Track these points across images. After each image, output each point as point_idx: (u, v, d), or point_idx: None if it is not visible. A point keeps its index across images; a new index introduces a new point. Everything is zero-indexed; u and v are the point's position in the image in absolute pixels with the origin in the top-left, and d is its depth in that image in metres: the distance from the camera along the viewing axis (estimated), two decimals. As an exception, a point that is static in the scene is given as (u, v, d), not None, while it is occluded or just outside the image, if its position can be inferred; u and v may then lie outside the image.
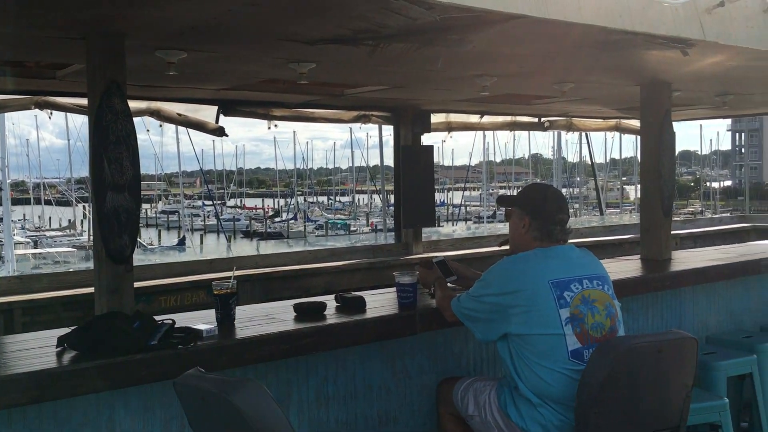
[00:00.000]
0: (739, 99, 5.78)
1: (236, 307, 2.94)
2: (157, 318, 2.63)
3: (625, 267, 4.52)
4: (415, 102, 5.91)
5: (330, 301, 3.25)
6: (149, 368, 2.41)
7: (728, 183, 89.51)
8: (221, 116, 5.26)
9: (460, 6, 2.21)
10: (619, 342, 2.52)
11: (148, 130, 4.97)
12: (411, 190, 6.18)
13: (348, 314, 3.05)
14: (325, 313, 3.04)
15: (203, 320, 2.81)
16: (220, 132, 5.17)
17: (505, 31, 2.63)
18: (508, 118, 7.06)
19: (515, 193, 2.74)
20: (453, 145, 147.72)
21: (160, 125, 5.24)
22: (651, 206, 4.78)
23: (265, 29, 2.56)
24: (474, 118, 6.76)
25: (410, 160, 6.18)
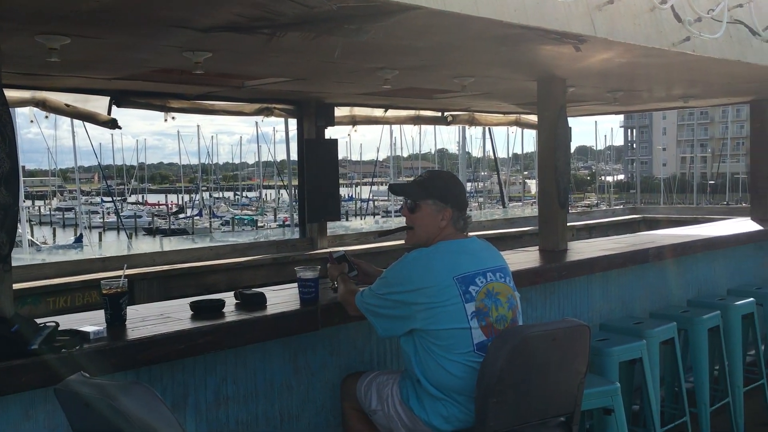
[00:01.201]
0: (628, 95, 6.04)
1: (128, 307, 2.80)
2: (42, 320, 2.47)
3: (524, 258, 4.63)
4: (318, 95, 5.84)
5: (229, 298, 3.15)
6: (30, 374, 2.26)
7: (621, 177, 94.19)
8: (114, 107, 5.02)
9: (356, -5, 2.18)
10: (515, 332, 2.56)
11: (31, 122, 4.64)
12: (315, 184, 6.11)
13: (248, 311, 2.97)
14: (223, 310, 2.94)
15: (92, 321, 2.66)
16: (112, 124, 4.93)
17: (403, 22, 2.62)
18: (412, 112, 7.11)
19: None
20: (361, 140, 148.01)
21: (46, 116, 4.95)
22: (548, 199, 4.92)
23: (153, 15, 2.43)
24: (378, 112, 6.76)
25: (314, 153, 6.12)
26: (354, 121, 6.58)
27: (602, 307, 4.86)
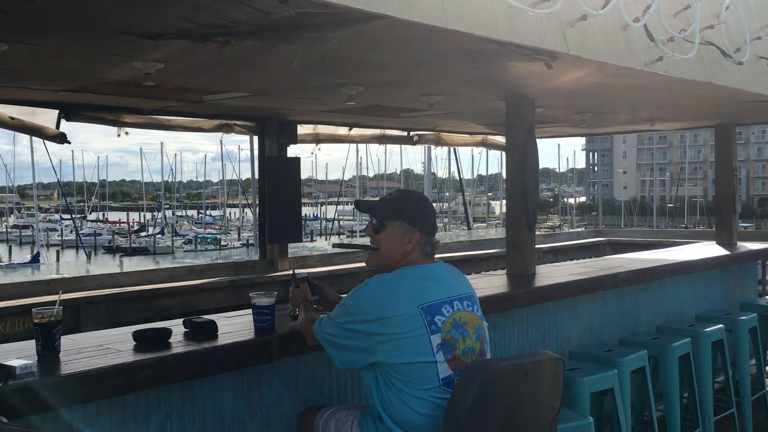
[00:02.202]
0: (596, 117, 5.97)
1: (65, 337, 2.56)
2: (-39, 353, 2.22)
3: (492, 282, 4.47)
4: (280, 111, 5.65)
5: (178, 326, 2.92)
6: (-58, 416, 2.00)
7: (583, 199, 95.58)
8: (63, 121, 4.75)
9: (316, 1, 2.00)
10: (485, 365, 2.39)
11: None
12: (276, 204, 5.90)
13: (197, 341, 2.74)
14: (170, 340, 2.71)
15: (22, 353, 2.41)
16: (61, 138, 4.66)
17: (367, 32, 2.45)
18: (377, 131, 6.96)
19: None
20: (327, 159, 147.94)
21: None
22: (516, 221, 4.78)
23: (92, 17, 2.23)
24: (343, 130, 6.59)
25: (276, 172, 5.91)
26: (318, 139, 6.39)
27: (571, 334, 4.72)
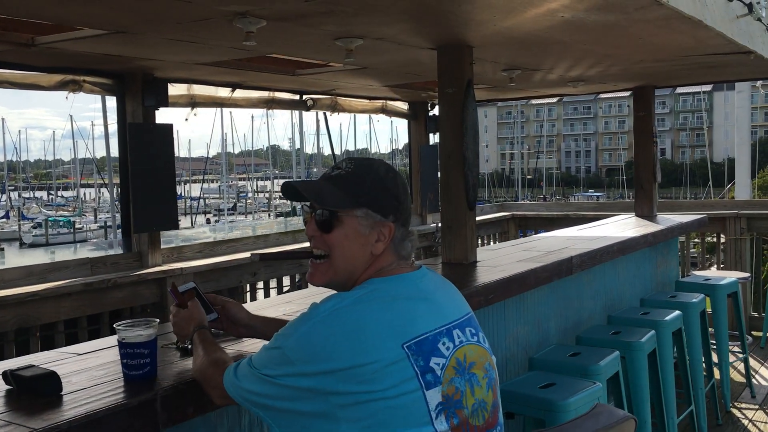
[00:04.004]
0: (523, 76, 5.18)
1: None
2: None
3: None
4: (145, 64, 4.41)
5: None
6: None
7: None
8: None
9: None
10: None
11: None
12: (144, 183, 4.66)
13: (25, 411, 1.63)
14: (-26, 418, 1.58)
15: None
16: None
17: None
18: (265, 94, 5.83)
19: (272, 184, 1.55)
20: (190, 136, 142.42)
21: None
22: (453, 198, 3.89)
23: None
24: (224, 92, 5.41)
25: (142, 142, 4.66)
26: (193, 102, 5.18)
27: (518, 332, 3.92)
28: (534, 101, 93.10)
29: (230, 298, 2.23)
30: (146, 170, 4.67)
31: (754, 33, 4.24)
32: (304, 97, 6.16)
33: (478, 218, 8.39)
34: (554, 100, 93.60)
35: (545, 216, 8.27)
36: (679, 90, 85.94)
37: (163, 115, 4.86)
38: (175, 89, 5.04)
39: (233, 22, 2.92)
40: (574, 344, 3.91)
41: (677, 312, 4.27)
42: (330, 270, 1.68)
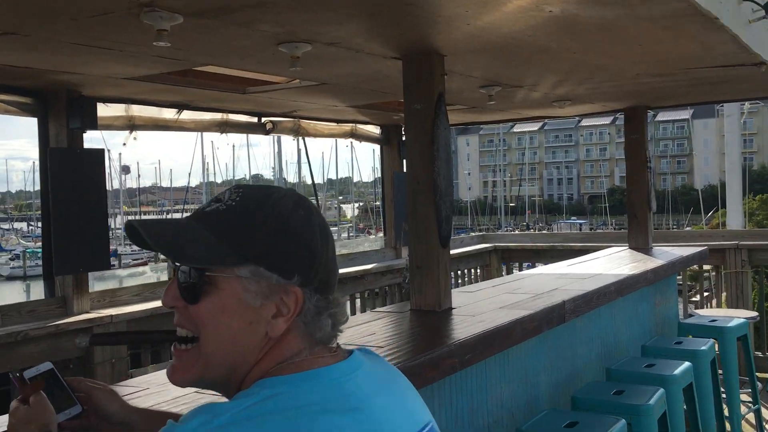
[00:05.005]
0: (504, 94, 4.62)
1: None
2: None
3: (395, 331, 2.94)
4: (67, 79, 3.80)
5: None
6: None
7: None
8: None
9: None
10: None
11: None
12: (69, 216, 4.02)
13: None
14: None
15: None
16: None
17: None
18: (218, 116, 5.23)
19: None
20: (172, 165, 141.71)
21: None
22: (423, 234, 3.28)
23: None
24: (169, 113, 4.80)
25: (66, 170, 4.03)
26: (132, 125, 4.56)
27: (503, 392, 3.29)
28: (516, 129, 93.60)
29: (101, 383, 1.59)
30: (71, 202, 4.03)
31: (766, 41, 3.71)
32: (263, 119, 5.56)
33: (457, 250, 7.80)
34: (536, 127, 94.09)
35: (530, 248, 7.67)
36: (660, 117, 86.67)
37: (92, 139, 4.26)
38: (110, 110, 4.42)
39: (140, 17, 2.31)
40: (570, 408, 3.28)
41: (686, 364, 3.67)
42: (199, 362, 1.07)
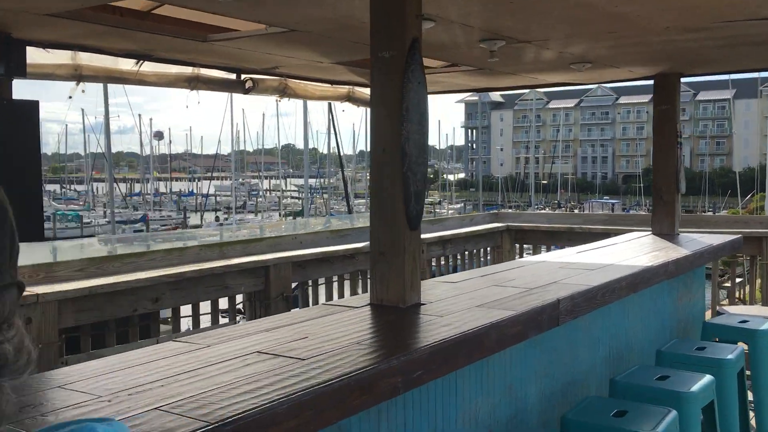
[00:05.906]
0: (508, 51, 3.95)
1: None
2: None
3: (339, 333, 2.33)
4: (-12, 17, 3.23)
5: None
6: None
7: (462, 175, 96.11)
8: None
9: None
10: None
11: None
12: (-2, 178, 3.48)
13: None
14: None
15: None
16: None
17: None
18: (188, 70, 4.65)
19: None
20: (202, 132, 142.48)
21: None
22: (388, 212, 2.67)
23: None
24: (126, 64, 4.23)
25: (-7, 124, 3.49)
26: (79, 75, 3.99)
27: (481, 405, 2.70)
28: (551, 105, 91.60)
29: None
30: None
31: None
32: (243, 76, 4.97)
33: (468, 229, 7.15)
34: (572, 104, 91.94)
35: (545, 229, 7.00)
36: (700, 97, 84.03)
37: (23, 88, 3.68)
38: (52, 56, 3.86)
39: None
40: (558, 429, 2.68)
41: (707, 378, 3.03)
42: None
